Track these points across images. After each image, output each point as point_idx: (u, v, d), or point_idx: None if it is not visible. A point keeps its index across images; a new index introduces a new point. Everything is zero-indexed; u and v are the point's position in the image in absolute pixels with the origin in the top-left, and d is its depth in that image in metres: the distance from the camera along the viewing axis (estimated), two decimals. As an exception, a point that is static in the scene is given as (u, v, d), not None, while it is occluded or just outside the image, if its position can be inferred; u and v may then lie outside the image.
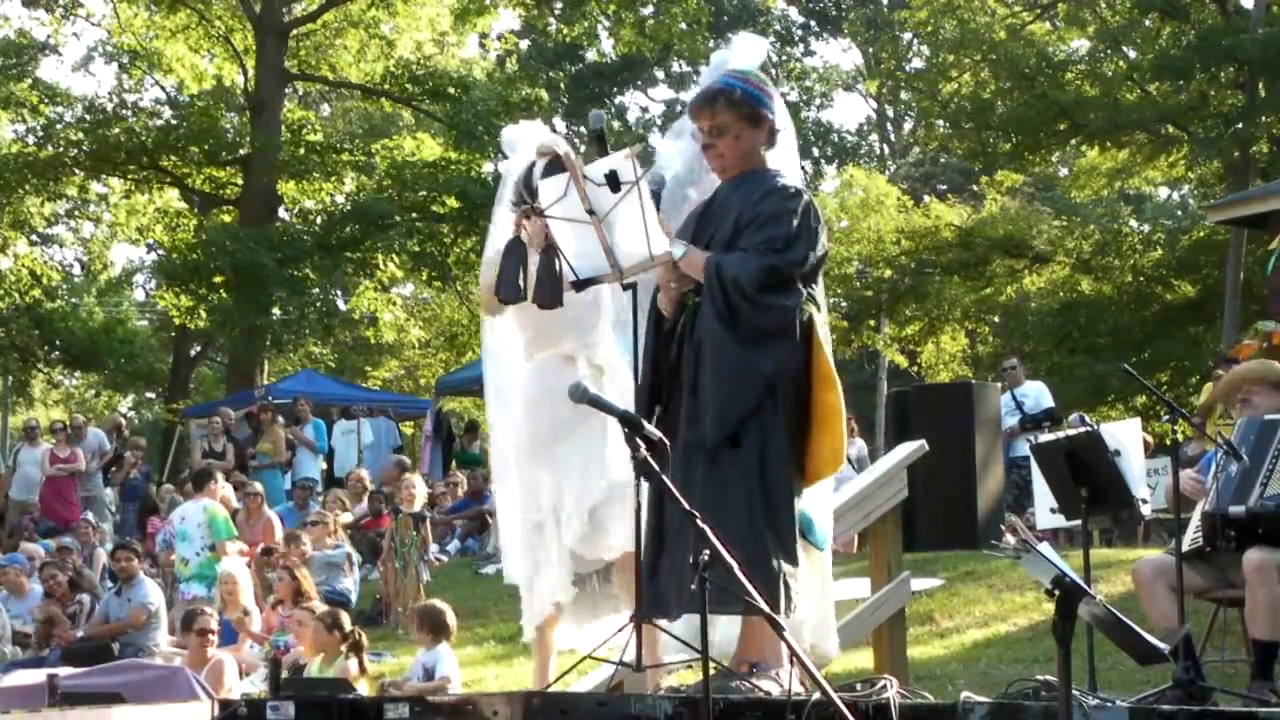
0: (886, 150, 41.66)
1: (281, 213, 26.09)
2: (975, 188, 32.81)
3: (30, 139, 25.12)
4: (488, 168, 25.06)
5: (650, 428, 4.22)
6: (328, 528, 12.64)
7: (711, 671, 3.79)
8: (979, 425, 11.52)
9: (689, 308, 4.75)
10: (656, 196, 4.92)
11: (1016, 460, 12.43)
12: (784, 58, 38.32)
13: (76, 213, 31.15)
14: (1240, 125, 22.54)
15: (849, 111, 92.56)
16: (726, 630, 4.80)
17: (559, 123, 34.42)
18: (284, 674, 7.87)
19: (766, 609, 3.90)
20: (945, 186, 36.71)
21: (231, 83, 26.93)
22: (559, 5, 29.29)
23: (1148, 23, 24.96)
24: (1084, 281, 26.56)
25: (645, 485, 4.35)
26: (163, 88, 29.25)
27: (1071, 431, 6.32)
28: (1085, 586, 3.85)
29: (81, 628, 11.56)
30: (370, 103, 28.97)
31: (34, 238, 29.49)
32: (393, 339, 29.93)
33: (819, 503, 5.00)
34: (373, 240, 24.43)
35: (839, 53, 70.97)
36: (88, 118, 25.11)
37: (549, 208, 4.86)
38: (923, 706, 4.52)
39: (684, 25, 27.45)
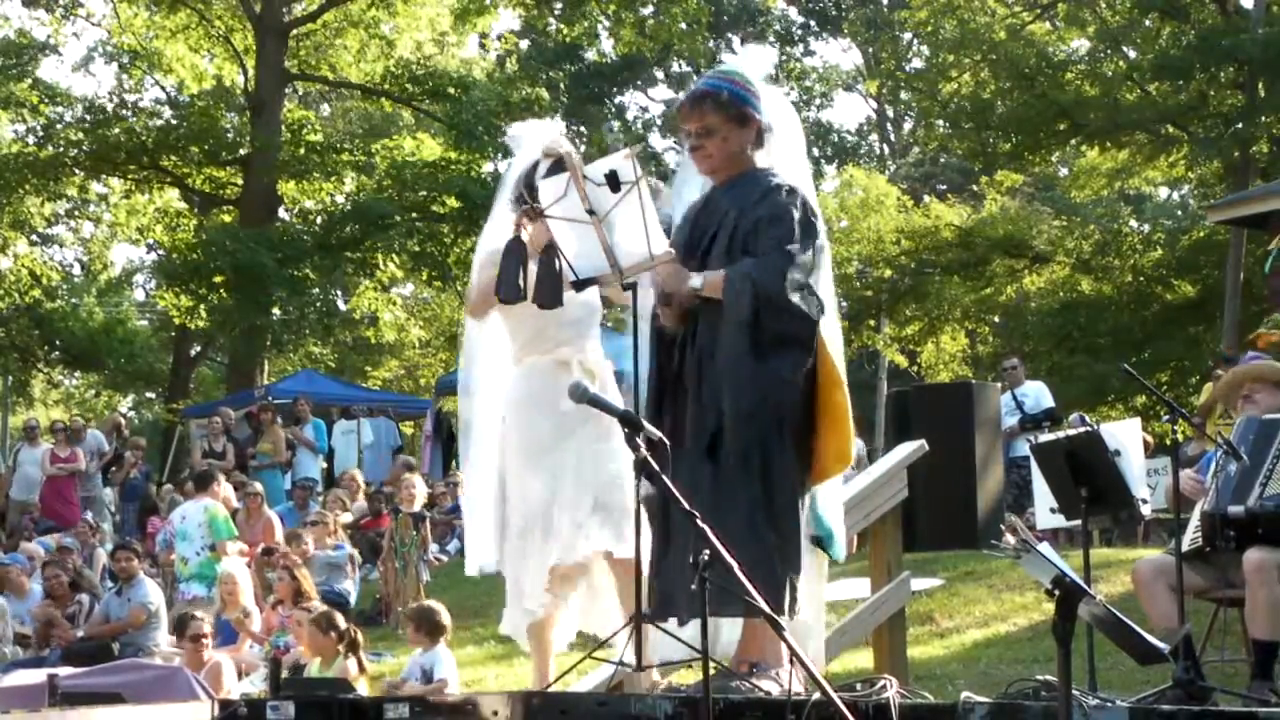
0: (886, 150, 41.66)
1: (281, 213, 26.09)
2: (975, 188, 32.81)
3: (30, 139, 25.11)
4: (488, 168, 25.05)
5: (650, 427, 4.23)
6: (328, 528, 12.65)
7: (711, 671, 3.79)
8: (979, 425, 11.52)
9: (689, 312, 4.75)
10: (665, 231, 4.89)
11: (1016, 460, 12.43)
12: (784, 58, 38.30)
13: (76, 213, 31.16)
14: (1240, 125, 22.55)
15: (849, 111, 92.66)
16: (730, 633, 4.80)
17: (559, 122, 34.36)
18: (284, 674, 7.87)
19: (767, 609, 3.90)
20: (945, 186, 36.71)
21: (231, 83, 26.93)
22: (559, 5, 29.29)
23: (1148, 23, 24.96)
24: (1084, 281, 26.56)
25: (645, 487, 4.35)
26: (163, 88, 29.27)
27: (1071, 431, 6.31)
28: (1085, 586, 3.85)
29: (81, 628, 11.56)
30: (370, 103, 28.97)
31: (34, 238, 29.51)
32: (393, 339, 29.93)
33: (838, 515, 5.04)
34: (373, 240, 24.42)
35: (839, 53, 71.08)
36: (88, 118, 25.11)
37: (549, 207, 4.87)
38: (923, 706, 4.52)
39: (684, 25, 27.45)
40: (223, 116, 25.95)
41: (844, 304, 26.30)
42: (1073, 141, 25.80)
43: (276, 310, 23.95)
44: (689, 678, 5.01)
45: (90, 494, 17.05)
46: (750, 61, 5.28)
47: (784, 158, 5.07)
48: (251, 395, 20.65)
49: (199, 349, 32.09)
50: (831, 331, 4.85)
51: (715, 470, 4.58)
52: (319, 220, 25.71)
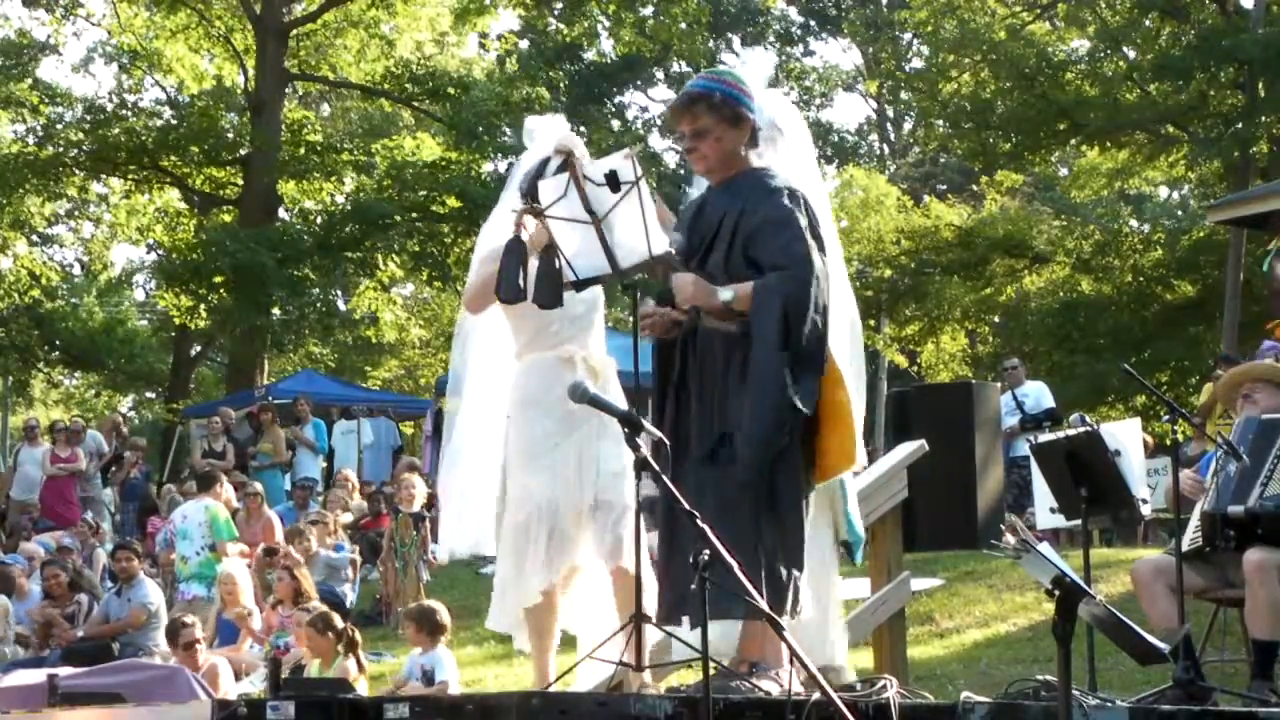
0: (886, 150, 41.64)
1: (281, 213, 26.08)
2: (975, 188, 32.82)
3: (30, 139, 25.10)
4: (488, 168, 25.06)
5: (651, 427, 4.22)
6: (328, 527, 12.65)
7: (711, 671, 3.79)
8: (979, 425, 11.51)
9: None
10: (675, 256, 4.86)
11: (1016, 460, 12.43)
12: (784, 58, 38.31)
13: (76, 213, 31.17)
14: (1240, 125, 22.55)
15: (849, 111, 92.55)
16: (726, 630, 4.80)
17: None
18: (284, 674, 7.86)
19: (767, 609, 3.89)
20: (945, 186, 36.71)
21: (231, 83, 26.93)
22: (559, 5, 29.29)
23: (1148, 23, 24.96)
24: (1084, 281, 26.58)
25: (648, 487, 4.34)
26: (163, 88, 29.28)
27: (1071, 431, 6.32)
28: (1085, 586, 3.85)
29: (80, 628, 11.55)
30: (370, 103, 28.97)
31: (34, 238, 29.51)
32: (393, 339, 29.92)
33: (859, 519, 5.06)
34: (373, 240, 24.43)
35: (839, 53, 71.01)
36: (88, 118, 25.12)
37: (549, 207, 4.86)
38: (923, 706, 4.52)
39: (684, 25, 27.45)
40: (223, 116, 25.94)
41: (844, 304, 26.29)
42: (1073, 141, 25.81)
43: (276, 310, 23.94)
44: (689, 678, 5.01)
45: (89, 494, 17.04)
46: (751, 66, 5.28)
47: (793, 165, 5.07)
48: (251, 395, 20.65)
49: (199, 349, 32.09)
50: (841, 329, 4.85)
51: (718, 471, 4.57)
52: (319, 220, 25.69)
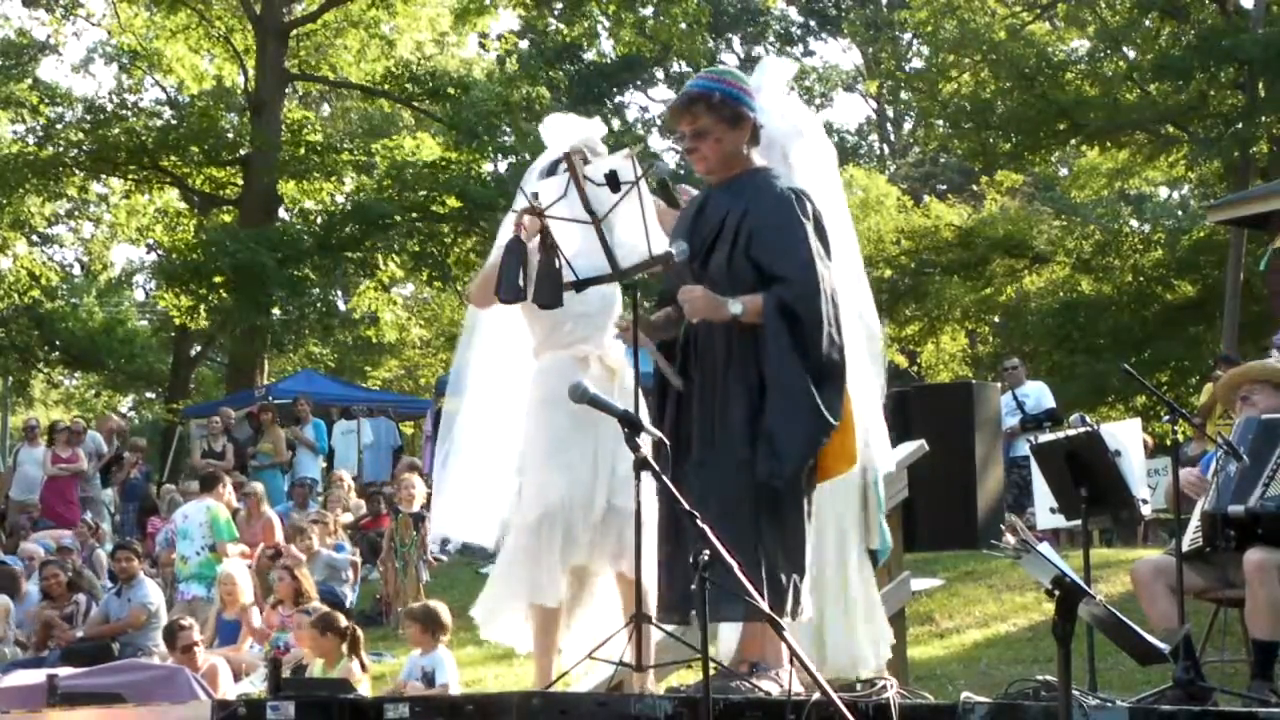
0: (886, 150, 41.66)
1: (281, 213, 26.09)
2: (975, 188, 32.82)
3: (30, 139, 25.11)
4: (488, 168, 25.06)
5: (650, 427, 4.22)
6: (328, 527, 12.65)
7: (711, 671, 3.79)
8: (979, 425, 11.47)
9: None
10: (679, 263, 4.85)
11: (1017, 460, 12.43)
12: (784, 58, 38.30)
13: (76, 213, 31.17)
14: (1240, 125, 22.55)
15: (849, 111, 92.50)
16: (728, 633, 4.80)
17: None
18: (284, 674, 7.85)
19: (766, 609, 3.89)
20: (945, 186, 36.71)
21: (231, 83, 26.94)
22: (559, 5, 29.28)
23: (1148, 23, 24.97)
24: (1084, 281, 26.58)
25: (643, 488, 4.34)
26: (163, 88, 29.27)
27: (1071, 431, 6.32)
28: (1085, 586, 3.85)
29: (79, 628, 11.55)
30: (370, 103, 28.97)
31: (34, 238, 29.51)
32: (393, 339, 29.92)
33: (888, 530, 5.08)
34: (373, 240, 24.43)
35: (839, 53, 71.01)
36: (88, 118, 25.11)
37: (549, 207, 4.86)
38: (923, 706, 4.52)
39: (684, 25, 27.44)
40: (223, 116, 25.95)
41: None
42: (1073, 141, 25.82)
43: (276, 310, 23.95)
44: (689, 678, 5.01)
45: (89, 494, 17.04)
46: (772, 71, 5.26)
47: (814, 170, 5.07)
48: (251, 395, 20.65)
49: (199, 349, 32.09)
50: (849, 324, 4.86)
51: (719, 471, 4.56)
52: (319, 220, 25.70)
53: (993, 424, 11.95)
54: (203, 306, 24.11)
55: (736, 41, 40.03)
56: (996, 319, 29.22)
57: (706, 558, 3.70)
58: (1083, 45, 26.68)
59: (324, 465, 18.33)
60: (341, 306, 28.90)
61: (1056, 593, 3.78)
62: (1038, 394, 13.37)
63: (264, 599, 10.90)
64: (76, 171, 25.06)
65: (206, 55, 26.20)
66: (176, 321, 26.15)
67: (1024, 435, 12.31)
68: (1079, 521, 6.75)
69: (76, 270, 34.03)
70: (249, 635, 10.44)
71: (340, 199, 25.90)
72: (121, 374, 31.65)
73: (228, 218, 26.07)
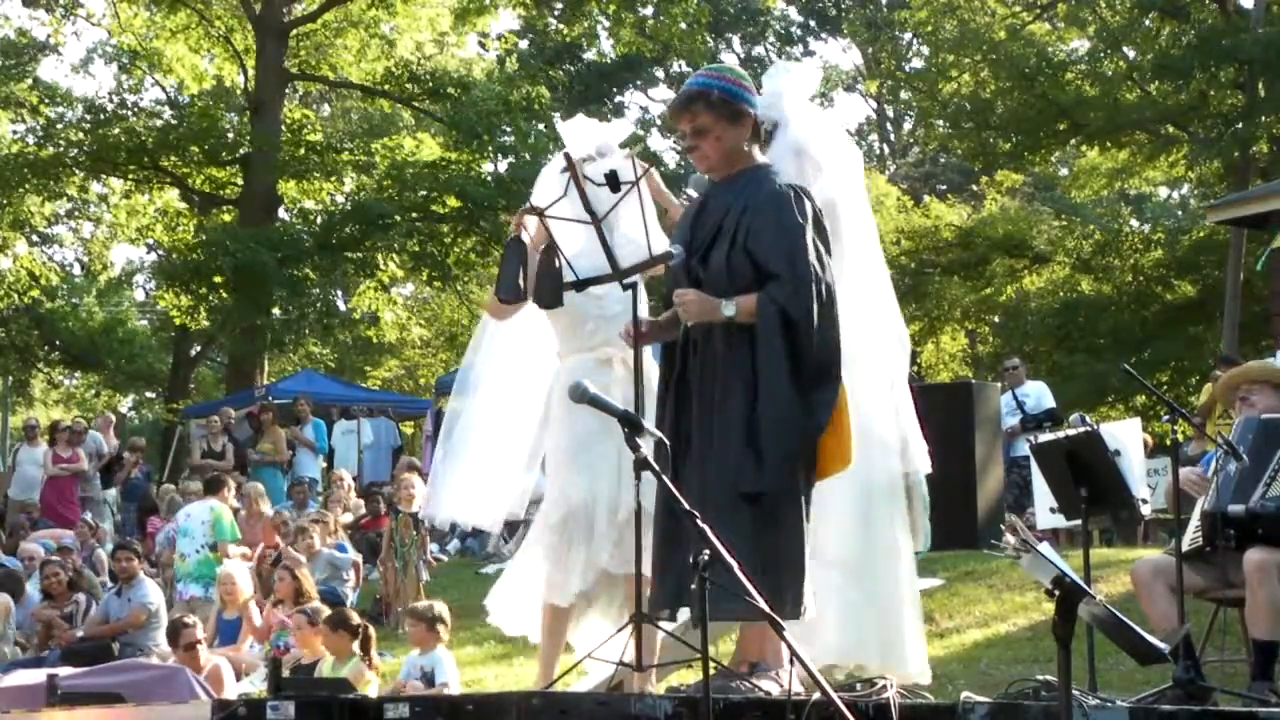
0: (886, 150, 41.66)
1: (281, 213, 26.09)
2: (975, 188, 32.83)
3: (30, 139, 25.10)
4: (488, 168, 25.04)
5: (650, 427, 4.22)
6: (328, 527, 12.65)
7: (711, 671, 3.79)
8: (979, 425, 11.51)
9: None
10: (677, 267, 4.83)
11: (1016, 460, 12.42)
12: (784, 58, 38.30)
13: (76, 213, 31.15)
14: (1240, 125, 22.55)
15: (849, 111, 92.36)
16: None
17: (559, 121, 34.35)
18: (284, 673, 7.85)
19: (766, 609, 3.89)
20: (945, 186, 36.72)
21: (231, 83, 26.93)
22: (559, 5, 29.28)
23: (1148, 23, 24.98)
24: (1084, 281, 26.58)
25: (643, 488, 4.34)
26: (163, 88, 29.28)
27: (1071, 431, 6.31)
28: (1085, 586, 3.85)
29: (79, 627, 11.54)
30: (370, 103, 28.96)
31: (34, 238, 29.50)
32: (394, 339, 29.91)
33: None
34: (373, 240, 24.41)
35: (839, 53, 70.91)
36: (88, 118, 25.12)
37: (549, 207, 4.87)
38: (923, 706, 4.52)
39: (684, 25, 27.43)
40: (223, 116, 25.94)
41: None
42: (1073, 141, 25.82)
43: (276, 310, 23.94)
44: (689, 678, 5.01)
45: (89, 494, 17.04)
46: (796, 76, 5.26)
47: (837, 179, 5.09)
48: (251, 395, 20.64)
49: (199, 349, 32.09)
50: (854, 323, 4.87)
51: (720, 471, 4.56)
52: (319, 220, 25.70)
53: (993, 424, 11.97)
54: (203, 306, 24.11)
55: (736, 41, 40.02)
56: (996, 319, 29.22)
57: (706, 557, 3.70)
58: (1083, 45, 26.70)
59: (324, 465, 18.33)
60: (341, 306, 28.89)
61: (1056, 593, 3.77)
62: (1038, 394, 13.37)
63: (264, 599, 10.90)
64: (76, 171, 25.05)
65: (206, 55, 26.19)
66: (176, 321, 26.14)
67: (1024, 435, 12.30)
68: (1079, 521, 6.74)
69: (76, 270, 34.05)
70: (249, 635, 10.44)
71: (340, 199, 25.90)
72: (121, 374, 31.65)
73: (228, 218, 26.06)
